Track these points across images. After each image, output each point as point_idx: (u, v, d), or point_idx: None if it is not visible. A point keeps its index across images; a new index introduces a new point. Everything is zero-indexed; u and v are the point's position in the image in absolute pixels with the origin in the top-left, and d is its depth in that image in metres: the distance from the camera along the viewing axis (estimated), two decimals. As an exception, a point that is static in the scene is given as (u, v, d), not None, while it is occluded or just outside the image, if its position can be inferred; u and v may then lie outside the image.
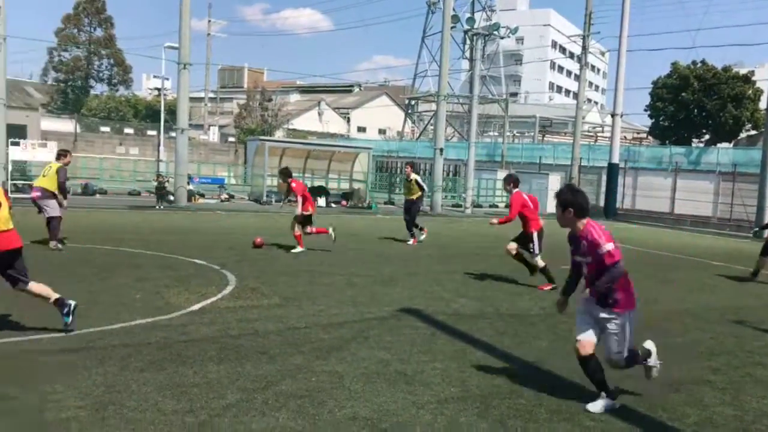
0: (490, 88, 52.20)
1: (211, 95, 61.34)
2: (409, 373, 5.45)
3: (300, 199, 12.51)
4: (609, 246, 4.67)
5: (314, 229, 12.83)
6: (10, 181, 21.70)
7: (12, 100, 27.26)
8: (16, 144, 22.11)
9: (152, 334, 6.21)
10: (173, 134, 35.42)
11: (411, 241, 15.06)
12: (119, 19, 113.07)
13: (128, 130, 46.07)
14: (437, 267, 11.78)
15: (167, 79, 41.88)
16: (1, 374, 4.83)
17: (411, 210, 15.37)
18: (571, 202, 4.83)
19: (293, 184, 12.74)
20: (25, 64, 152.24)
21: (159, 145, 34.93)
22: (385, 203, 30.77)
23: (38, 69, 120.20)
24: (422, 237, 15.38)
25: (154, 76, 70.33)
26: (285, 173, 12.91)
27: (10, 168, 22.13)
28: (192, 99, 28.31)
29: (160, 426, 4.09)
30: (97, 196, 25.56)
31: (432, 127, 47.83)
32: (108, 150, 36.89)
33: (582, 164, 33.99)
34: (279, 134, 52.64)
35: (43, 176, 11.46)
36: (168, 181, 24.30)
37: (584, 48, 34.06)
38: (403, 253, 13.46)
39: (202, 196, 26.85)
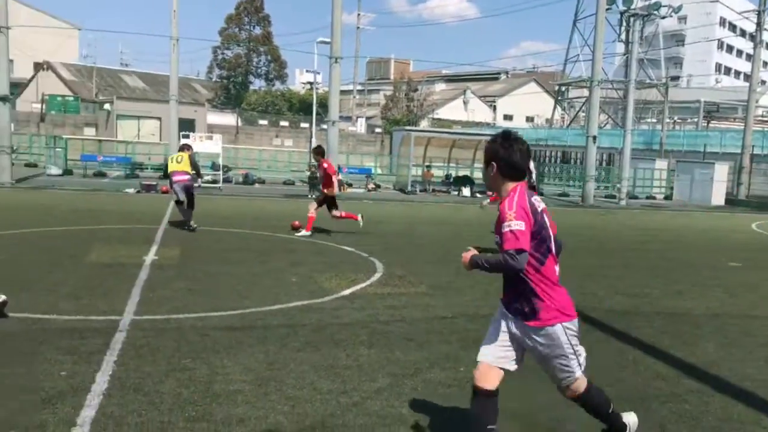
0: (648, 72, 48.93)
1: (359, 87, 63.11)
2: (561, 369, 5.27)
3: (332, 179, 12.35)
4: (515, 224, 3.19)
5: (343, 214, 12.61)
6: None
7: (182, 96, 29.78)
8: (186, 137, 24.12)
9: (307, 316, 6.52)
10: (324, 126, 36.93)
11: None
12: (275, 17, 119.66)
13: (283, 123, 48.65)
14: (589, 261, 11.28)
15: (318, 73, 43.59)
16: (178, 347, 5.29)
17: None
18: (495, 154, 3.39)
19: (325, 165, 12.58)
20: (194, 63, 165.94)
21: (311, 136, 36.54)
22: (532, 193, 29.95)
23: (204, 67, 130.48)
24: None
25: (307, 71, 73.65)
26: (318, 152, 12.85)
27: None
28: (342, 92, 29.28)
29: (316, 404, 4.28)
30: (256, 185, 27.25)
31: (583, 114, 45.83)
32: (265, 142, 39.23)
33: (754, 152, 30.94)
34: (424, 124, 53.09)
35: (178, 163, 12.62)
36: (319, 170, 25.33)
37: (759, 25, 30.90)
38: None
39: (350, 185, 27.74)
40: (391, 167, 34.96)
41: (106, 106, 34.94)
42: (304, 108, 56.69)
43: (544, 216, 3.42)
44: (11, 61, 22.39)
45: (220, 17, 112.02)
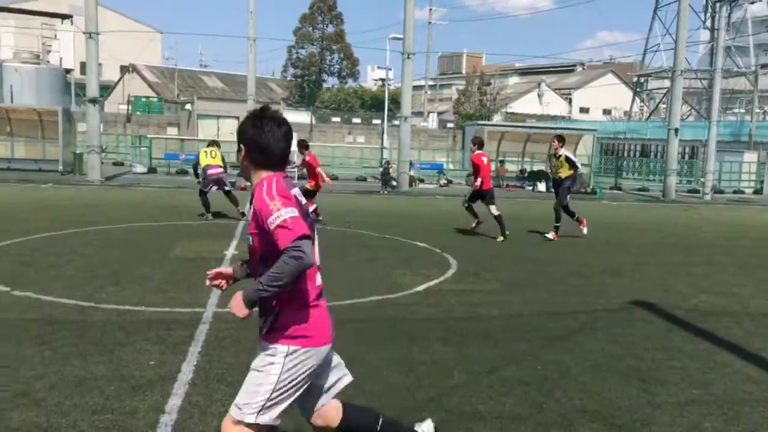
0: (736, 60, 46.46)
1: (431, 82, 62.92)
2: (643, 370, 5.10)
3: (315, 172, 12.85)
4: (285, 213, 2.56)
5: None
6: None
7: (259, 95, 30.52)
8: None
9: (383, 311, 6.57)
10: (396, 122, 36.99)
11: (551, 234, 12.04)
12: (348, 15, 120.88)
13: (356, 120, 49.13)
14: (673, 258, 10.85)
15: (390, 69, 43.78)
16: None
17: (558, 192, 12.29)
18: (243, 134, 2.80)
19: (307, 158, 12.90)
20: (269, 63, 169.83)
21: (383, 132, 36.72)
22: (611, 188, 29.10)
23: (279, 66, 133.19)
24: (584, 230, 12.36)
25: (378, 67, 74.11)
26: (302, 145, 13.11)
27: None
28: (413, 87, 29.28)
29: (391, 398, 4.32)
30: (335, 181, 27.60)
31: (664, 106, 44.05)
32: (338, 139, 39.72)
33: None
34: (497, 118, 52.38)
35: (213, 158, 13.49)
36: (392, 167, 25.47)
37: None
38: (633, 242, 12.61)
39: (422, 181, 27.72)
40: (463, 163, 34.61)
41: (188, 106, 36.31)
42: (376, 104, 57.08)
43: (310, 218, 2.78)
44: (100, 64, 23.58)
45: (295, 17, 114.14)
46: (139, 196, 17.76)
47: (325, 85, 63.61)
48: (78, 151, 24.97)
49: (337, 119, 49.25)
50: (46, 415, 3.83)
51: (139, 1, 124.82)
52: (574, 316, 6.70)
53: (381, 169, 25.37)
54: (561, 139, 12.44)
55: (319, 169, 13.02)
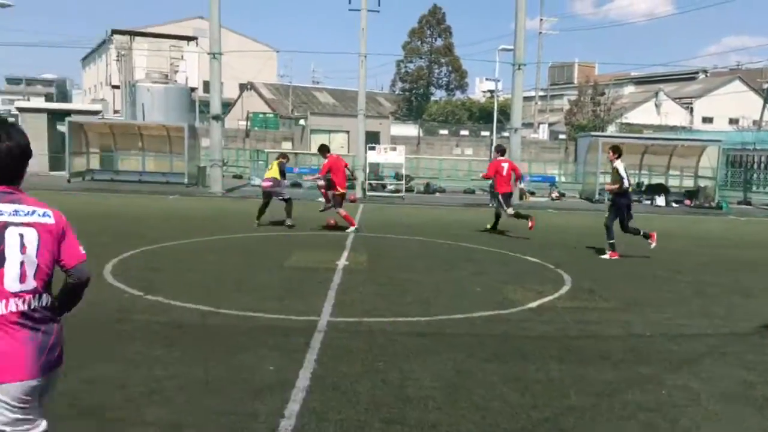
0: None
1: (541, 93, 61.61)
2: (782, 401, 4.70)
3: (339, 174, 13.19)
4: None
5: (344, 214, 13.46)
6: (367, 181, 24.86)
7: (368, 110, 31.08)
8: (372, 148, 25.18)
9: (494, 326, 6.47)
10: (505, 134, 36.49)
11: (607, 254, 11.08)
12: (456, 28, 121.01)
13: (463, 132, 48.94)
14: (812, 279, 9.95)
15: (499, 80, 43.35)
16: (371, 349, 5.52)
17: (612, 207, 11.27)
18: None
19: (326, 161, 13.36)
20: (378, 77, 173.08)
21: (492, 144, 36.33)
22: (739, 203, 27.16)
23: (387, 81, 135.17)
24: (652, 245, 11.25)
25: (487, 79, 73.52)
26: (323, 149, 13.73)
27: (367, 170, 25.35)
28: (523, 98, 28.77)
29: (507, 416, 4.23)
30: (437, 194, 27.65)
31: (800, 114, 40.77)
32: (446, 151, 39.72)
33: None
34: (611, 129, 50.41)
35: (270, 170, 14.54)
36: (501, 179, 25.10)
37: None
38: (765, 261, 11.69)
39: (533, 194, 27.12)
40: (576, 175, 33.61)
41: (301, 121, 37.66)
42: (484, 116, 56.61)
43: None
44: (222, 83, 24.96)
45: (403, 32, 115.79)
46: (256, 208, 18.55)
47: (432, 98, 63.93)
48: (201, 165, 26.56)
49: (444, 132, 49.28)
50: (176, 413, 4.07)
51: (258, 22, 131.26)
52: (701, 339, 6.29)
53: (490, 182, 25.06)
54: (615, 150, 11.32)
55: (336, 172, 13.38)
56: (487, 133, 45.18)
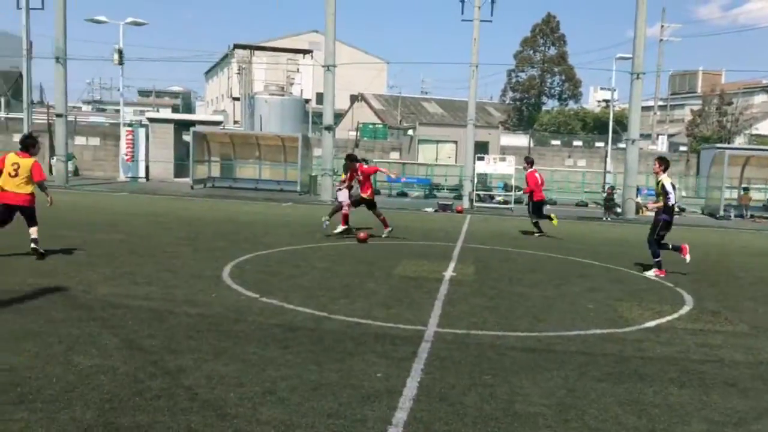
0: None
1: (661, 103, 58.62)
2: None
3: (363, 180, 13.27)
4: None
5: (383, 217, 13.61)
6: (475, 192, 24.66)
7: (477, 119, 30.85)
8: (481, 159, 24.97)
9: (607, 345, 6.21)
10: (621, 145, 35.02)
11: (653, 272, 10.51)
12: (570, 36, 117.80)
13: (576, 143, 47.45)
14: None
15: (615, 90, 41.68)
16: (479, 362, 5.46)
17: (654, 226, 10.60)
18: None
19: (359, 168, 13.36)
20: (488, 87, 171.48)
21: (606, 156, 35.01)
22: None
23: (497, 90, 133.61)
24: (688, 259, 10.65)
25: (602, 88, 70.94)
26: (350, 158, 13.60)
27: (475, 180, 25.15)
28: (641, 108, 27.49)
29: (621, 441, 4.05)
30: (547, 206, 26.94)
31: None
32: (557, 162, 38.67)
33: None
34: (739, 141, 47.12)
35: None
36: (616, 192, 24.16)
37: None
38: None
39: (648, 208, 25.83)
40: (698, 189, 31.72)
41: (409, 131, 37.99)
42: (598, 127, 54.58)
43: None
44: (334, 94, 25.65)
45: (515, 41, 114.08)
46: (364, 216, 18.89)
47: (544, 108, 62.51)
48: (313, 174, 27.43)
49: (556, 142, 47.99)
50: (289, 413, 4.21)
51: (370, 35, 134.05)
52: None
53: (604, 195, 24.17)
54: (662, 162, 10.48)
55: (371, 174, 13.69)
56: (601, 144, 43.53)
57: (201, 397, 4.39)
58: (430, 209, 22.29)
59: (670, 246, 10.64)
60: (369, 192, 13.56)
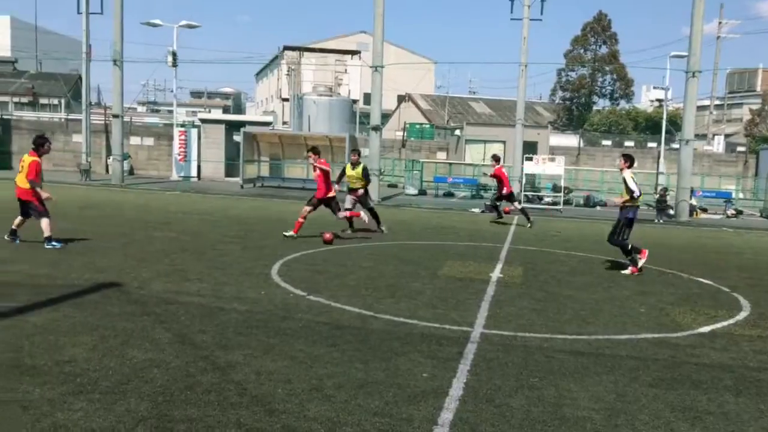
0: None
1: (717, 102, 56.81)
2: None
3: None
4: None
5: (347, 214, 13.21)
6: (522, 193, 24.38)
7: (525, 119, 30.47)
8: (529, 159, 24.66)
9: (659, 350, 6.06)
10: (674, 146, 34.09)
11: (628, 270, 10.42)
12: (622, 34, 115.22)
13: (628, 143, 46.41)
14: None
15: (668, 89, 40.57)
16: (526, 365, 5.41)
17: (617, 224, 10.75)
18: None
19: (315, 163, 12.46)
20: (536, 86, 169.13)
21: (659, 157, 34.13)
22: None
23: (546, 90, 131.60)
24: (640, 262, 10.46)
25: (654, 87, 69.14)
26: (314, 150, 12.68)
27: (523, 181, 24.86)
28: (696, 107, 26.70)
29: (673, 448, 3.95)
30: (597, 208, 26.46)
31: None
32: (608, 163, 37.82)
33: None
34: (802, 141, 45.24)
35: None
36: (668, 194, 23.55)
37: None
38: None
39: (705, 210, 25.08)
40: (756, 191, 30.64)
41: (457, 131, 37.80)
42: (650, 127, 53.27)
43: None
44: (381, 95, 25.72)
45: (564, 39, 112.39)
46: (410, 216, 18.92)
47: (595, 107, 61.31)
48: (360, 174, 27.53)
49: (607, 142, 47.01)
50: (336, 411, 4.25)
51: (417, 35, 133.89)
52: None
53: (656, 196, 23.57)
54: (626, 158, 10.66)
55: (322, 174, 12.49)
56: (654, 145, 42.49)
57: (250, 392, 4.48)
58: (476, 210, 22.14)
59: (630, 247, 10.61)
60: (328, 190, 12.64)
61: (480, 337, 6.19)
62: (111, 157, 29.06)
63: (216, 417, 4.04)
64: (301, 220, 12.47)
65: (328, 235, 12.01)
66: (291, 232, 12.37)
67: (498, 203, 18.05)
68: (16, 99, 45.36)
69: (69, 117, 38.22)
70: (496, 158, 18.31)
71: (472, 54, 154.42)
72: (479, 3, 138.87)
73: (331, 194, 12.58)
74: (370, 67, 24.41)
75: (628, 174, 10.52)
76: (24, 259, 8.95)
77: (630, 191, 10.38)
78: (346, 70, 41.33)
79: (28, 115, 39.90)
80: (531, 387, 4.88)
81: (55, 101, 46.73)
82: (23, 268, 8.27)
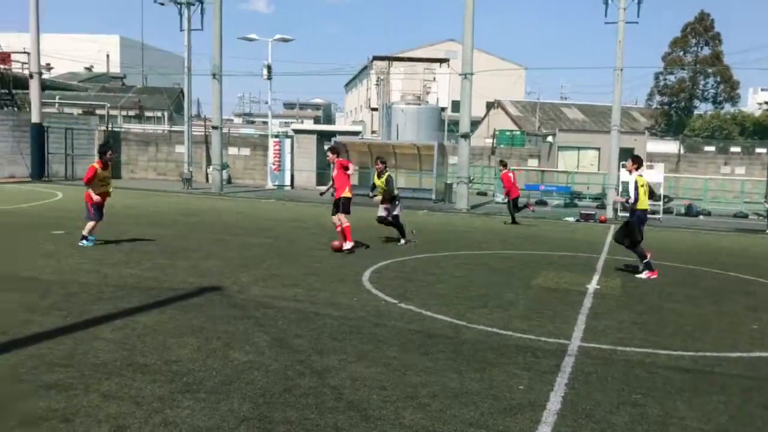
0: None
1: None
2: None
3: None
4: None
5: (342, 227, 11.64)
6: (620, 201, 23.44)
7: (621, 125, 29.38)
8: (624, 166, 23.70)
9: (775, 370, 5.67)
10: (787, 151, 31.84)
11: (644, 275, 10.12)
12: (727, 35, 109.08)
13: (734, 149, 43.84)
14: None
15: (781, 90, 37.94)
16: (627, 380, 5.19)
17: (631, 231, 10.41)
18: None
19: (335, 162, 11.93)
20: (632, 91, 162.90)
21: (770, 163, 31.97)
22: None
23: (642, 95, 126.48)
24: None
25: (762, 89, 64.95)
26: (332, 150, 12.30)
27: (620, 188, 23.96)
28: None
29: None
30: (701, 217, 25.13)
31: None
32: (711, 170, 35.89)
33: None
34: None
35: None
36: (780, 202, 22.04)
37: None
38: None
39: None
40: None
41: (549, 138, 36.97)
42: (759, 131, 50.06)
43: None
44: (470, 102, 25.55)
45: (661, 42, 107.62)
46: (500, 226, 18.64)
47: (696, 112, 58.30)
48: (448, 182, 27.47)
49: (710, 148, 44.59)
50: (431, 419, 4.23)
51: (506, 41, 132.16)
52: None
53: (766, 205, 22.10)
54: (634, 160, 10.45)
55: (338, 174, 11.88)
56: (762, 150, 39.92)
57: (346, 397, 4.54)
58: (571, 219, 21.54)
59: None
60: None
61: (578, 350, 6.00)
62: (211, 167, 30.40)
63: (314, 420, 4.12)
64: (342, 228, 11.62)
65: (336, 243, 11.60)
66: (348, 244, 11.47)
67: (520, 208, 18.87)
68: (124, 112, 48.38)
69: (172, 129, 40.31)
70: (503, 163, 19.14)
71: (564, 59, 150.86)
72: (571, 7, 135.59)
73: (345, 194, 11.79)
74: (460, 74, 24.32)
75: (634, 177, 10.36)
76: (134, 262, 9.49)
77: (628, 195, 10.39)
78: (434, 78, 41.37)
79: (135, 127, 42.39)
80: (634, 404, 4.68)
81: (159, 114, 49.52)
82: (134, 272, 8.78)
